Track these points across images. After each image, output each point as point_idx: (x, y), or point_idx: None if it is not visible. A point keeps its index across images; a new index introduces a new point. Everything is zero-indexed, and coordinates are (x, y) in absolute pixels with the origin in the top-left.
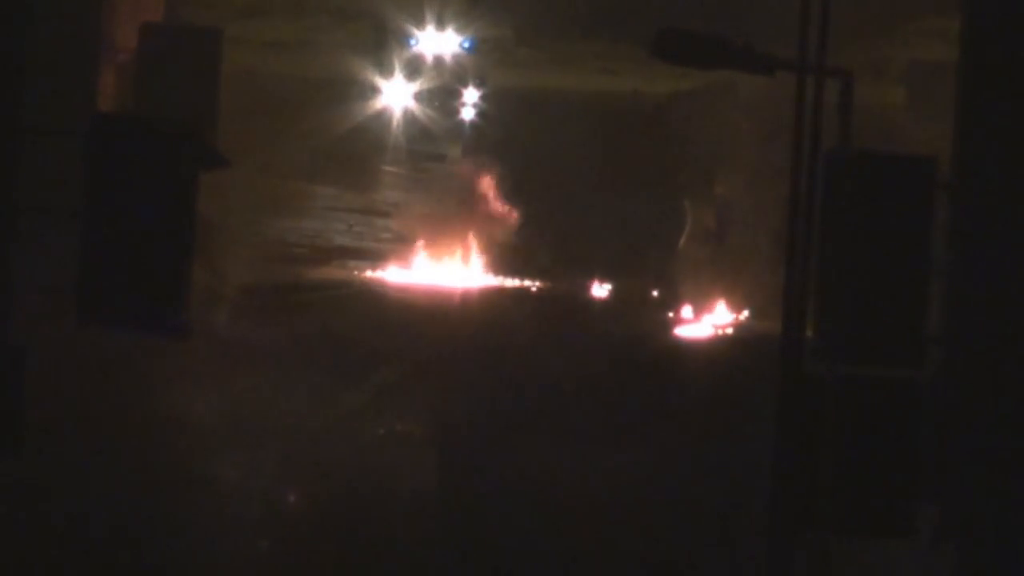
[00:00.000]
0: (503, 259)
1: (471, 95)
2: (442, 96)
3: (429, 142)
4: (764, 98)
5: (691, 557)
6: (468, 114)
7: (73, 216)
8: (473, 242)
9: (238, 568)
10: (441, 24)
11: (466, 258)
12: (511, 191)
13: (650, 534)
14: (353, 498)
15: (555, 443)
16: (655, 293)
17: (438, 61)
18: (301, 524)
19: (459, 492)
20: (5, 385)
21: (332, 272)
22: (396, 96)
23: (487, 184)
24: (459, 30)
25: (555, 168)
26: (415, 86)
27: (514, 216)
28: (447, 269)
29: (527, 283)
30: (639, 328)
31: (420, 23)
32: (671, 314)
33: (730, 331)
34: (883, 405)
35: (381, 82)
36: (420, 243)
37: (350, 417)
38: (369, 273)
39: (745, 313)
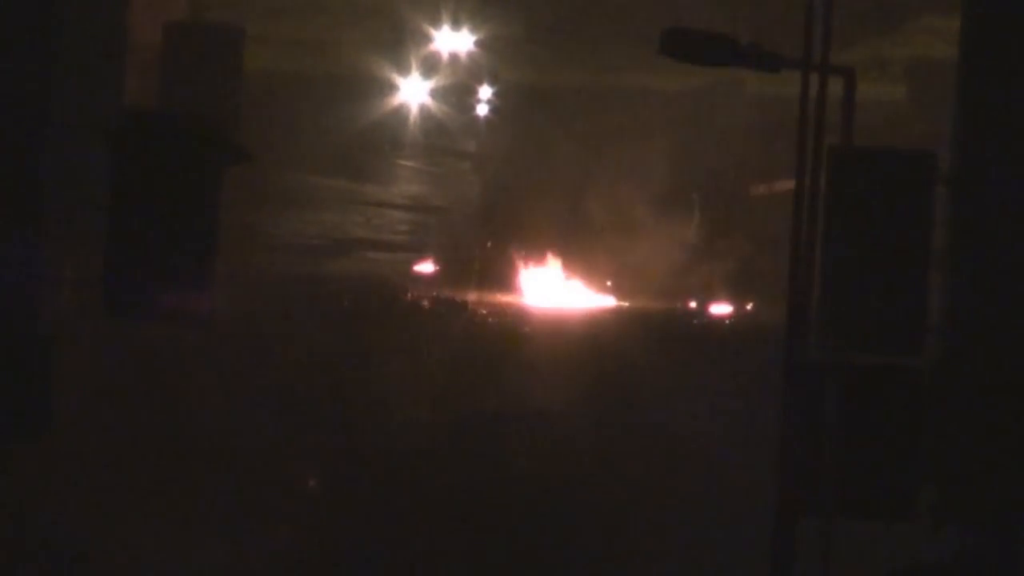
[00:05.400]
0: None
1: (485, 91)
2: (457, 92)
3: (445, 137)
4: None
5: None
6: (483, 110)
7: (100, 211)
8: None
9: None
10: (456, 23)
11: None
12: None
13: None
14: None
15: None
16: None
17: (453, 58)
18: None
19: None
20: (34, 374)
21: (351, 264)
22: (413, 92)
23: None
24: (474, 29)
25: (564, 163)
26: (431, 83)
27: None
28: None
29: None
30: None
31: (436, 22)
32: (678, 304)
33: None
34: (885, 391)
35: (398, 79)
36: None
37: None
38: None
39: (750, 304)
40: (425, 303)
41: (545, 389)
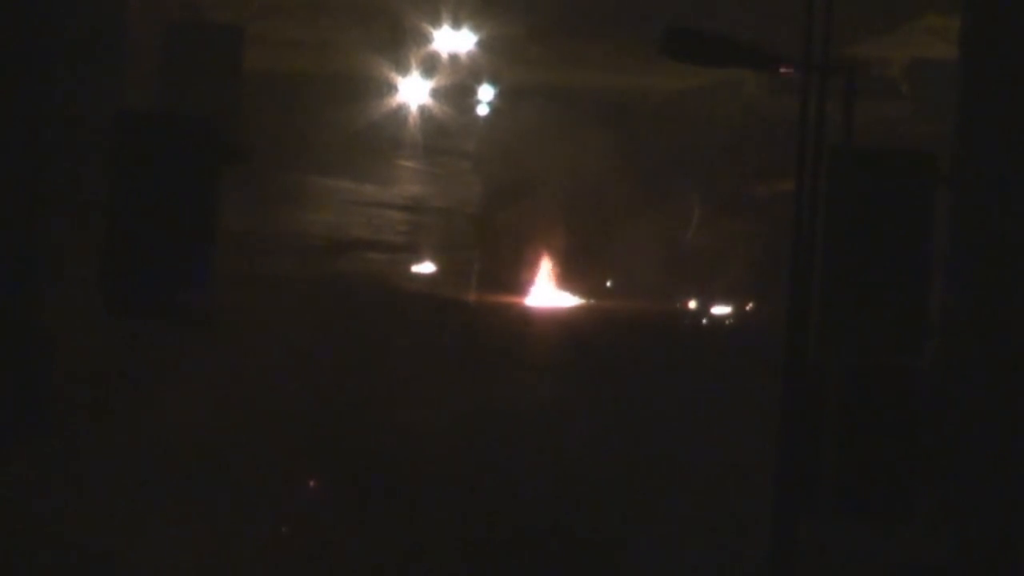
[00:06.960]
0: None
1: (485, 91)
2: (457, 92)
3: (445, 137)
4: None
5: None
6: (483, 110)
7: (99, 211)
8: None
9: None
10: (456, 23)
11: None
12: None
13: None
14: None
15: None
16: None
17: (453, 59)
18: None
19: None
20: (34, 374)
21: (351, 264)
22: (413, 93)
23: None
24: (474, 29)
25: (564, 163)
26: (431, 83)
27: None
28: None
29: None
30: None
31: (436, 22)
32: (678, 304)
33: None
34: (884, 392)
35: (398, 79)
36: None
37: None
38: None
39: (750, 305)
40: (424, 303)
41: (544, 389)
